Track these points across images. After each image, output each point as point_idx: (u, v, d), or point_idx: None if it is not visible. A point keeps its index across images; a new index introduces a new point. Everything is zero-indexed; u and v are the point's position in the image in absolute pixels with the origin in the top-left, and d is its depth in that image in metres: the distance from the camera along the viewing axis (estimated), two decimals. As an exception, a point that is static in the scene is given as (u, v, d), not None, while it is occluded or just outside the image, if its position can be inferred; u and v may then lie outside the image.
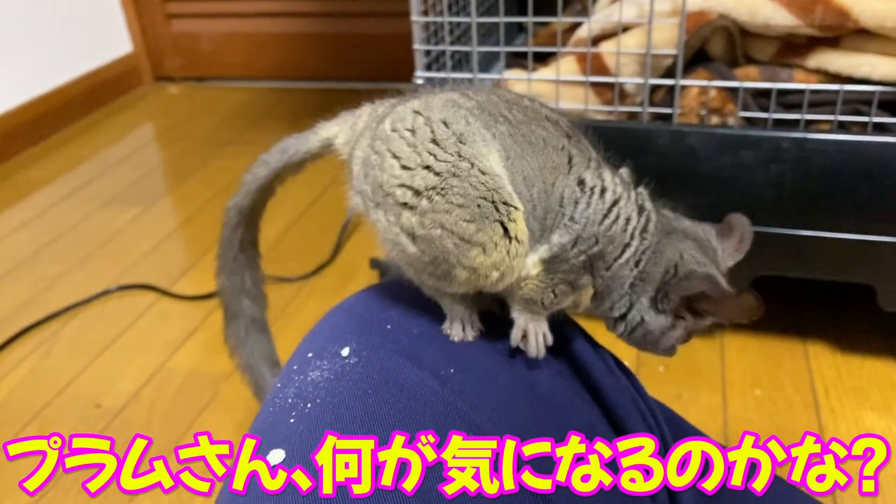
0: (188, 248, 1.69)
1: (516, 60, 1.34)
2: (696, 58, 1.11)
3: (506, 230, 0.50)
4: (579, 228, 0.52)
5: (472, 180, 0.50)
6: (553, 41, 1.32)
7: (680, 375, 1.19)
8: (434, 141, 0.51)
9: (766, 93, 1.06)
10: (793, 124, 1.04)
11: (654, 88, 1.11)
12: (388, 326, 0.56)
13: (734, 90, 1.06)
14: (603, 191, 0.53)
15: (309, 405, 0.50)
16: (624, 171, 0.57)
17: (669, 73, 1.07)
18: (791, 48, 1.08)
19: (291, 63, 2.53)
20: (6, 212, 1.88)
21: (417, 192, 0.50)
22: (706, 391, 1.16)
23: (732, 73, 1.09)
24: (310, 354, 0.56)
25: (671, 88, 1.07)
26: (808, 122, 1.04)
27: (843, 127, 1.03)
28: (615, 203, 0.53)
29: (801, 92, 1.03)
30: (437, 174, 0.50)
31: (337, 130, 0.61)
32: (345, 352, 0.54)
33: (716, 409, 1.13)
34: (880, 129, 1.02)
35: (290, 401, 0.52)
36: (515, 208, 0.51)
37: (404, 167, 0.51)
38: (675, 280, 0.54)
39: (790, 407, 1.12)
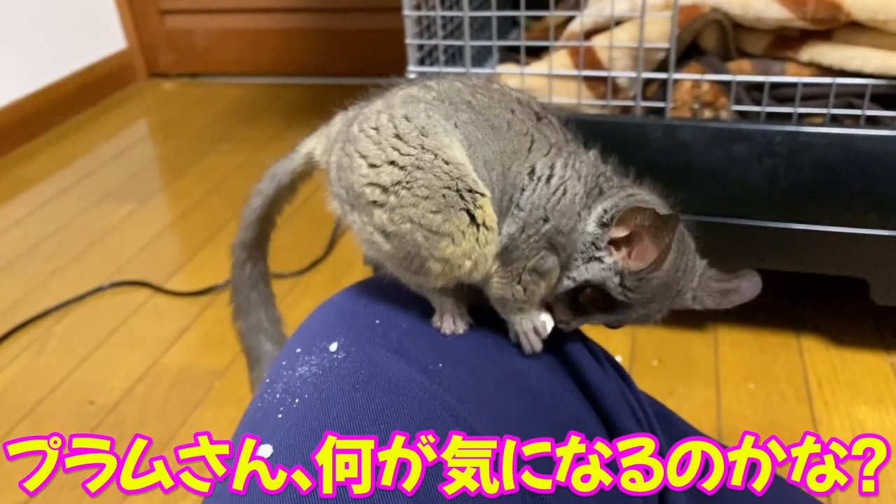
0: (182, 245, 1.69)
1: (510, 55, 1.34)
2: (688, 51, 1.11)
3: (472, 218, 0.51)
4: (525, 215, 0.52)
5: (435, 171, 0.50)
6: (546, 35, 1.32)
7: (673, 370, 1.19)
8: (397, 136, 0.52)
9: (758, 86, 1.06)
10: (786, 118, 1.04)
11: (647, 82, 1.11)
12: (377, 321, 0.56)
13: (727, 84, 1.06)
14: (549, 178, 0.52)
15: (297, 400, 0.50)
16: (593, 153, 0.57)
17: (662, 66, 1.07)
18: (783, 41, 1.08)
19: (286, 59, 2.53)
20: (0, 208, 1.87)
21: (385, 189, 0.51)
22: (700, 385, 1.16)
23: (725, 66, 1.09)
24: (298, 350, 0.56)
25: (664, 82, 1.07)
26: (801, 116, 1.04)
27: (835, 120, 1.03)
28: (562, 184, 0.52)
29: (794, 85, 1.03)
30: (401, 168, 0.50)
31: (315, 143, 0.61)
32: (333, 347, 0.54)
33: (709, 404, 1.13)
34: (873, 122, 1.02)
35: (278, 396, 0.52)
36: (481, 195, 0.51)
37: (371, 165, 0.51)
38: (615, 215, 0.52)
39: (784, 401, 1.12)
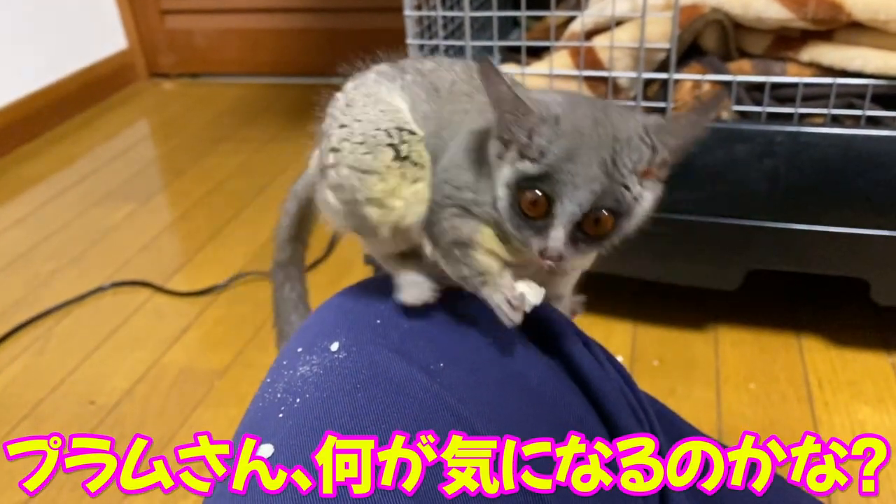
0: (183, 245, 1.69)
1: (510, 55, 1.34)
2: (689, 52, 1.11)
3: (398, 152, 0.52)
4: (435, 181, 0.53)
5: (370, 116, 0.53)
6: (546, 36, 1.32)
7: (674, 370, 1.20)
8: (347, 104, 0.56)
9: (759, 86, 1.06)
10: (786, 118, 1.04)
11: (648, 82, 1.11)
12: (378, 321, 0.56)
13: (728, 84, 1.06)
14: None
15: (298, 400, 0.50)
16: None
17: (663, 66, 1.07)
18: (784, 42, 1.08)
19: (286, 59, 2.53)
20: (1, 208, 1.87)
21: (335, 150, 0.54)
22: (700, 385, 1.16)
23: (726, 66, 1.09)
24: (299, 349, 0.56)
25: (665, 82, 1.07)
26: (802, 116, 1.04)
27: (836, 120, 1.03)
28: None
29: (795, 85, 1.03)
30: (344, 126, 0.54)
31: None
32: (334, 346, 0.54)
33: (710, 403, 1.13)
34: (873, 122, 1.02)
35: (279, 395, 0.52)
36: (410, 132, 0.53)
37: (328, 136, 0.55)
38: None
39: (784, 401, 1.12)
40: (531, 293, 0.53)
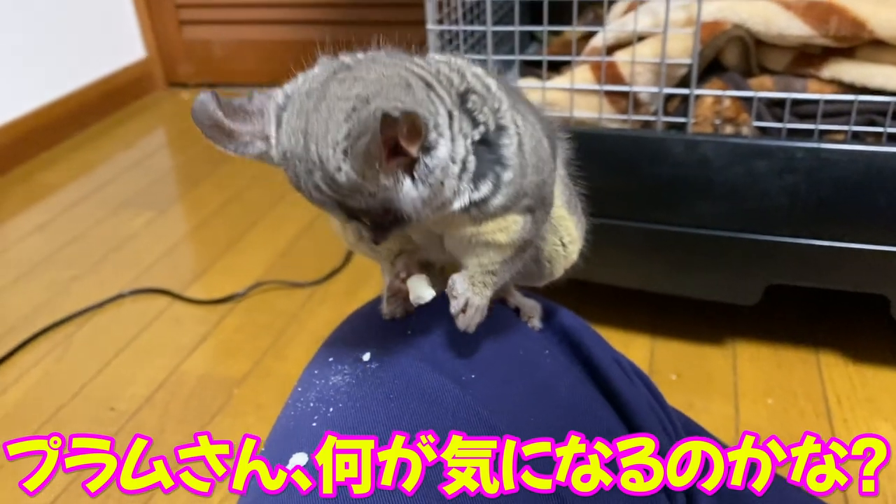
0: (201, 253, 1.70)
1: (529, 69, 1.35)
2: (710, 67, 1.11)
3: None
4: None
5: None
6: (565, 50, 1.33)
7: (692, 384, 1.20)
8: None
9: (780, 103, 1.06)
10: (807, 134, 1.04)
11: (669, 97, 1.11)
12: (409, 332, 0.56)
13: (748, 100, 1.06)
14: None
15: (331, 409, 0.51)
16: None
17: (684, 82, 1.08)
18: (805, 58, 1.09)
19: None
20: (21, 215, 1.89)
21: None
22: (718, 400, 1.16)
23: (747, 82, 1.09)
24: (330, 359, 0.56)
25: (685, 98, 1.07)
26: (823, 133, 1.04)
27: (857, 137, 1.04)
28: None
29: (816, 102, 1.03)
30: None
31: None
32: (366, 357, 0.54)
33: (728, 418, 1.13)
34: (895, 139, 1.02)
35: (311, 405, 0.52)
36: None
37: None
38: None
39: (803, 416, 1.12)
40: (418, 288, 0.52)
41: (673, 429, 0.58)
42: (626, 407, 0.56)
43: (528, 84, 1.19)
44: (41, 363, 1.35)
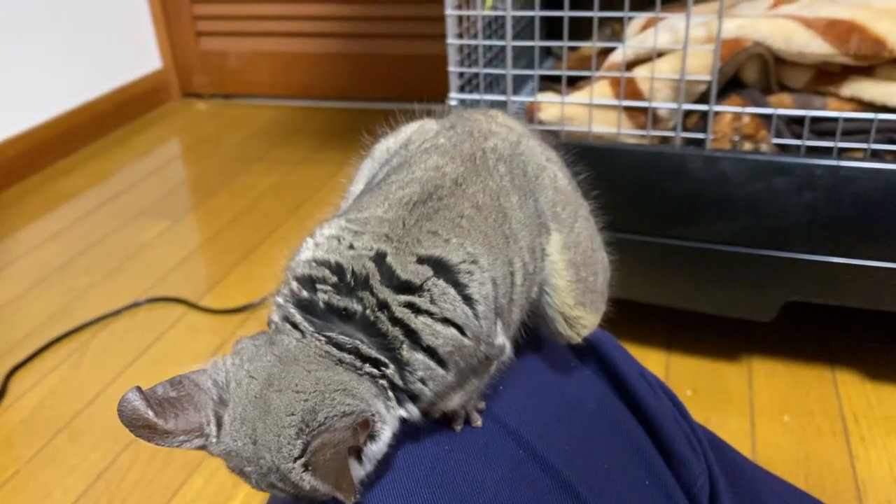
0: (215, 263, 1.71)
1: (545, 84, 1.36)
2: (729, 84, 1.12)
3: None
4: None
5: None
6: (582, 66, 1.34)
7: (707, 400, 1.19)
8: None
9: (799, 120, 1.07)
10: (826, 152, 1.05)
11: (688, 114, 1.12)
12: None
13: (767, 117, 1.07)
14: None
15: None
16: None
17: (703, 98, 1.08)
18: (825, 76, 1.09)
19: (318, 82, 2.57)
20: (37, 222, 1.90)
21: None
22: (734, 416, 1.16)
23: (766, 100, 1.10)
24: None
25: (704, 114, 1.08)
26: (842, 150, 1.04)
27: (876, 155, 1.04)
28: None
29: (835, 120, 1.03)
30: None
31: None
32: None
33: (744, 434, 1.13)
34: (914, 158, 1.02)
35: None
36: None
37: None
38: None
39: (819, 434, 1.12)
40: None
41: (698, 443, 0.58)
42: (653, 421, 0.56)
43: (547, 98, 1.20)
44: (57, 370, 1.36)
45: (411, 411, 0.44)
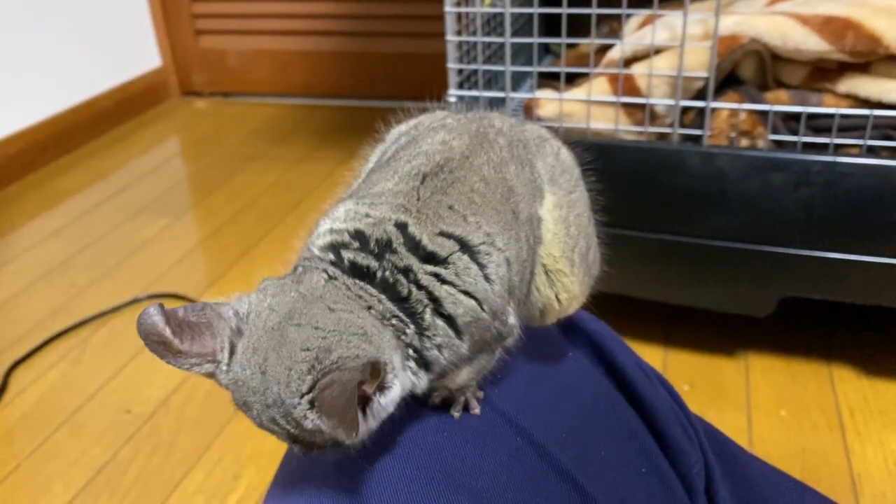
0: (215, 260, 1.71)
1: (543, 81, 1.36)
2: (726, 81, 1.13)
3: None
4: None
5: None
6: (580, 63, 1.34)
7: (704, 395, 1.20)
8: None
9: (795, 116, 1.07)
10: (822, 148, 1.05)
11: (685, 110, 1.12)
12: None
13: (764, 113, 1.07)
14: None
15: None
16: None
17: (700, 95, 1.09)
18: (821, 73, 1.10)
19: (318, 80, 2.57)
20: (37, 219, 1.91)
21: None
22: (731, 411, 1.17)
23: (763, 96, 1.10)
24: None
25: (701, 110, 1.09)
26: (838, 146, 1.05)
27: (872, 151, 1.05)
28: None
29: (831, 116, 1.04)
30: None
31: None
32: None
33: (741, 429, 1.13)
34: (910, 154, 1.03)
35: None
36: None
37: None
38: None
39: (816, 429, 1.13)
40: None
41: (694, 432, 0.59)
42: (650, 410, 0.57)
43: (546, 95, 1.20)
44: (58, 366, 1.36)
45: (421, 380, 0.44)
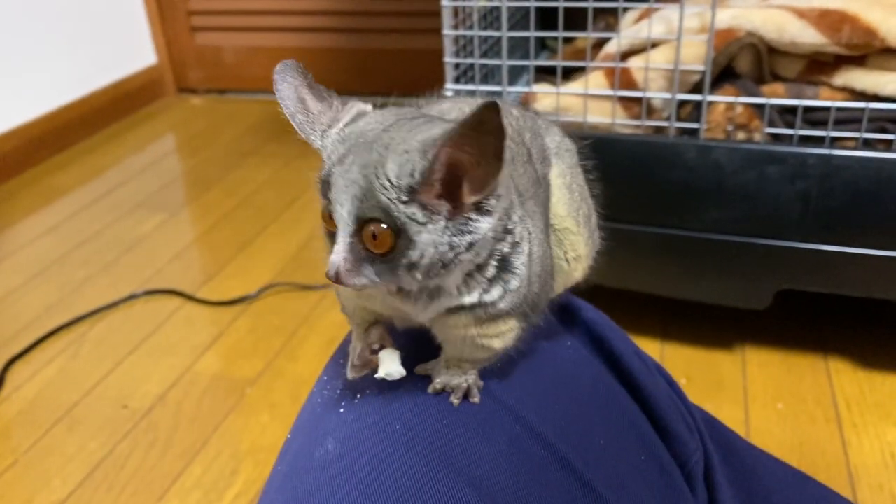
0: (212, 256, 1.71)
1: (540, 75, 1.36)
2: (723, 74, 1.13)
3: None
4: None
5: None
6: (576, 58, 1.34)
7: (701, 388, 1.20)
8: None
9: (792, 109, 1.08)
10: (818, 141, 1.06)
11: (682, 103, 1.13)
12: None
13: (761, 106, 1.08)
14: None
15: (359, 395, 0.52)
16: None
17: (697, 88, 1.09)
18: (817, 66, 1.10)
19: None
20: (34, 216, 1.91)
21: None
22: (728, 404, 1.17)
23: (759, 89, 1.11)
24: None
25: (698, 104, 1.09)
26: (834, 139, 1.05)
27: (868, 144, 1.05)
28: None
29: (827, 109, 1.04)
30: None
31: None
32: (393, 346, 0.55)
33: (738, 422, 1.14)
34: (905, 146, 1.03)
35: (339, 391, 0.53)
36: None
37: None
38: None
39: (812, 421, 1.13)
40: (389, 364, 0.50)
41: (693, 421, 0.59)
42: (648, 399, 0.57)
43: (542, 89, 1.20)
44: (55, 361, 1.36)
45: (494, 291, 0.45)
